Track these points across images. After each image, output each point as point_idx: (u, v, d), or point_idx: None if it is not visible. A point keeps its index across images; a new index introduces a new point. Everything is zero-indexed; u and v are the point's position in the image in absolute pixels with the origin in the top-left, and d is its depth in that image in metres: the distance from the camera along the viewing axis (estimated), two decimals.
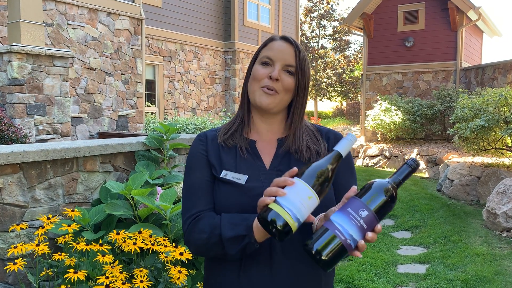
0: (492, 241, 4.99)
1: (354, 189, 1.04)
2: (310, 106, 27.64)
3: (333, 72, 26.12)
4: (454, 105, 9.38)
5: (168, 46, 11.13)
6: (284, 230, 0.96)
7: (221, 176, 1.23)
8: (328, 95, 26.18)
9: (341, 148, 1.04)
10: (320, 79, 26.12)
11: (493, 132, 6.45)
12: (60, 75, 5.34)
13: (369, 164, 11.11)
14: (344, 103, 26.66)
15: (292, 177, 1.02)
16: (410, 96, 11.90)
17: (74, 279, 2.04)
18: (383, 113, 10.84)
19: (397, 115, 10.57)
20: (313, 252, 0.95)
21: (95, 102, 7.80)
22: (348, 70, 25.91)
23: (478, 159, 7.65)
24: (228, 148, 1.28)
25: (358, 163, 11.39)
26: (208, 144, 1.30)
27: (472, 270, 4.22)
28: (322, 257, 0.95)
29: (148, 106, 10.53)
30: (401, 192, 7.61)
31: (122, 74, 8.27)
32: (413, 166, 1.04)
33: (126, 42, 8.35)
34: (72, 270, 2.09)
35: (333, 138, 1.31)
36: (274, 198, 0.99)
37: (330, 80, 26.06)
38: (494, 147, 6.88)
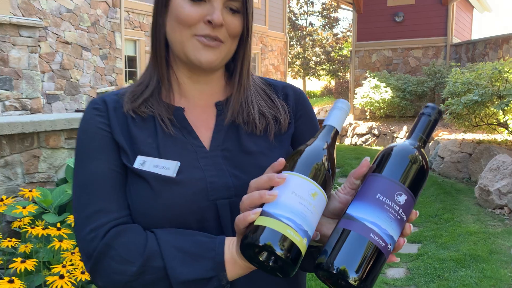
0: (485, 219, 4.83)
1: (366, 163, 0.70)
2: (298, 85, 27.32)
3: (322, 50, 25.77)
4: (444, 81, 9.17)
5: (150, 20, 10.68)
6: (291, 257, 0.61)
7: (135, 166, 0.81)
8: (316, 74, 25.87)
9: (335, 121, 0.73)
10: (309, 57, 25.75)
11: (486, 107, 6.25)
12: (28, 46, 4.96)
13: (358, 143, 10.92)
14: (333, 82, 26.39)
15: (279, 172, 0.68)
16: (400, 73, 11.65)
17: (20, 270, 1.77)
18: (372, 91, 10.59)
19: (386, 92, 10.34)
20: (335, 272, 0.61)
21: (71, 78, 7.41)
22: (337, 48, 25.57)
23: (469, 136, 7.48)
24: (142, 119, 0.85)
25: (347, 141, 11.19)
26: (111, 117, 0.85)
27: (466, 249, 4.05)
28: (351, 281, 0.60)
29: (129, 83, 10.13)
30: None
31: (100, 49, 7.87)
32: (434, 115, 0.73)
33: (103, 15, 7.92)
34: (19, 259, 1.82)
35: (293, 94, 0.95)
36: (260, 209, 0.64)
37: (318, 59, 25.72)
38: (486, 123, 6.69)
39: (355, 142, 10.98)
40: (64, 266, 1.90)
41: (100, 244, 0.76)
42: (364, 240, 0.62)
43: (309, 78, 26.26)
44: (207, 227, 0.80)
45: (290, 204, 0.63)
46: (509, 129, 6.41)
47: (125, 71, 9.47)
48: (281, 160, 0.68)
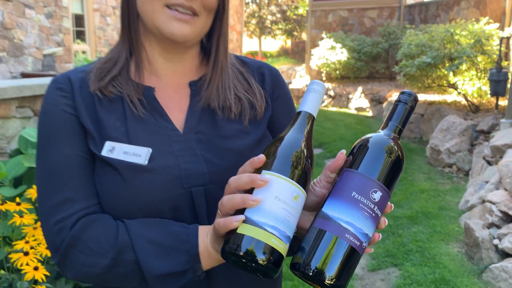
0: (435, 177, 5.10)
1: (342, 156, 0.69)
2: (254, 45, 27.00)
3: (277, 9, 25.40)
4: (398, 43, 9.35)
5: None
6: (274, 263, 0.63)
7: (103, 153, 0.76)
8: (272, 33, 25.59)
9: (311, 106, 0.70)
10: (264, 16, 25.36)
11: (438, 69, 6.46)
12: None
13: None
14: (289, 42, 26.26)
15: (259, 171, 0.66)
16: (355, 34, 11.75)
17: None
18: (329, 52, 10.65)
19: (342, 53, 10.44)
20: (311, 273, 0.62)
21: (14, 38, 6.92)
22: (293, 7, 25.28)
23: (421, 97, 7.75)
24: (110, 100, 0.80)
25: None
26: (76, 97, 0.79)
27: (418, 207, 4.28)
28: (327, 281, 0.62)
29: (78, 44, 9.60)
30: (345, 131, 7.63)
31: (44, 6, 7.35)
32: (411, 102, 0.73)
33: None
34: None
35: (269, 74, 0.91)
36: (243, 216, 0.62)
37: (274, 18, 25.37)
38: (437, 84, 6.95)
39: None
40: (27, 242, 1.84)
41: (67, 237, 0.73)
42: (339, 240, 0.63)
43: (265, 38, 25.97)
44: (181, 216, 0.77)
45: (274, 210, 0.62)
46: (458, 90, 6.69)
47: (73, 30, 8.95)
48: (262, 157, 0.66)
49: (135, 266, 0.71)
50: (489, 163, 4.41)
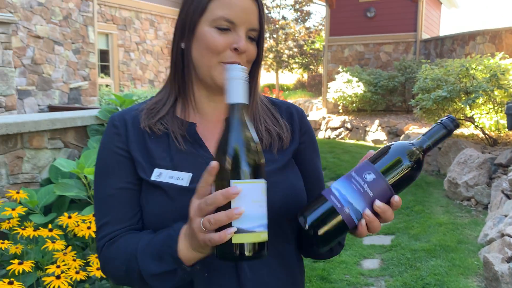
0: (453, 210, 5.08)
1: (370, 153, 0.84)
2: (271, 78, 27.46)
3: (294, 43, 25.92)
4: (414, 77, 9.46)
5: (122, 13, 10.53)
6: (261, 250, 0.72)
7: (152, 178, 0.91)
8: (289, 67, 26.03)
9: (239, 95, 0.74)
10: (281, 50, 25.88)
11: (454, 102, 6.52)
12: (2, 42, 4.86)
13: (331, 136, 11.15)
14: (305, 75, 26.63)
15: (224, 182, 0.72)
16: (371, 68, 11.93)
17: (18, 271, 1.81)
18: (345, 85, 10.81)
19: (358, 86, 10.57)
20: (307, 226, 0.78)
21: (43, 73, 7.27)
22: (309, 41, 25.78)
23: None
24: (157, 136, 0.96)
25: (320, 135, 11.41)
26: (129, 133, 0.96)
27: (436, 240, 4.26)
28: (319, 232, 0.78)
29: (102, 78, 9.99)
30: None
31: (72, 43, 7.74)
32: (450, 127, 0.80)
33: (76, 9, 7.78)
34: (16, 261, 1.85)
35: (296, 113, 1.06)
36: (235, 228, 0.70)
37: (291, 52, 25.86)
38: None
39: (329, 136, 11.20)
40: (58, 267, 1.94)
41: (101, 253, 0.93)
42: (325, 200, 0.79)
43: (282, 72, 26.41)
44: None
45: (255, 213, 0.71)
46: (475, 123, 6.71)
47: (98, 65, 9.33)
48: (215, 164, 0.72)
49: (139, 274, 0.85)
50: (508, 196, 4.40)
